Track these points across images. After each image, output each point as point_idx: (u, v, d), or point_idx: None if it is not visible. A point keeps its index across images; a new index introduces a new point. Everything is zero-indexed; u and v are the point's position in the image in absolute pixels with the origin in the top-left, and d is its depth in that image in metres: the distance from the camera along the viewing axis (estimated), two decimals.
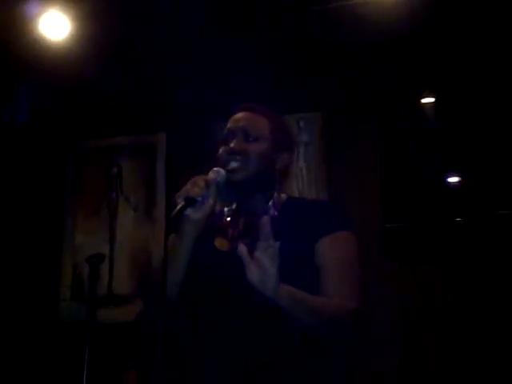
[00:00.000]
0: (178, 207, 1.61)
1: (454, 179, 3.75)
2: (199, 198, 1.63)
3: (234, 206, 1.84)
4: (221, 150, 1.84)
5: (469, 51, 3.69)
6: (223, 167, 1.77)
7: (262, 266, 1.51)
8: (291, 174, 1.97)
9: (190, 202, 1.62)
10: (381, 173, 3.78)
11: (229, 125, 1.87)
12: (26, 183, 4.45)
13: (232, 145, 1.80)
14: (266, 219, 1.53)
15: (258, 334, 1.64)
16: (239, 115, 1.88)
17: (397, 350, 3.50)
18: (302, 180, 3.91)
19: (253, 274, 1.52)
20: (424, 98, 3.82)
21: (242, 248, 1.54)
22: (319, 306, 1.62)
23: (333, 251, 1.73)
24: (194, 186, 1.64)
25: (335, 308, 1.63)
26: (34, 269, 4.29)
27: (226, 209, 1.87)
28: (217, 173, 1.72)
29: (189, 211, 1.63)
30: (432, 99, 3.81)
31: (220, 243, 1.80)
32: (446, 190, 3.71)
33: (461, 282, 3.49)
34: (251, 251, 1.62)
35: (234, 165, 1.76)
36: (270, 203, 1.81)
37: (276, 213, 1.80)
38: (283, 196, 1.88)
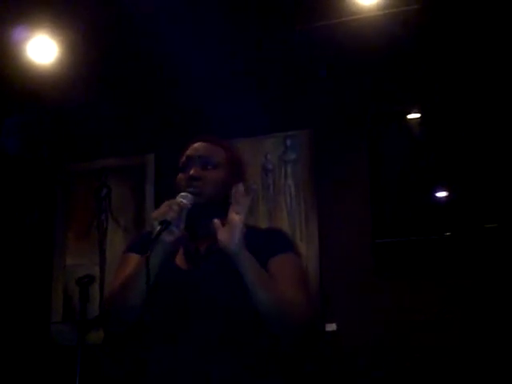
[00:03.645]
0: (157, 230, 1.67)
1: (441, 194, 3.78)
2: (174, 222, 1.69)
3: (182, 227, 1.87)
4: (179, 176, 1.93)
5: (453, 68, 3.74)
6: (184, 191, 1.84)
7: (230, 226, 1.67)
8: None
9: (167, 225, 1.68)
10: (369, 188, 3.81)
11: (188, 152, 1.97)
12: (16, 206, 4.45)
13: (191, 172, 1.88)
14: (240, 189, 1.69)
15: (219, 348, 1.71)
16: (198, 145, 1.98)
17: (387, 364, 3.51)
18: (291, 197, 3.94)
19: (222, 233, 1.67)
20: (410, 113, 3.86)
21: (216, 221, 1.69)
22: (273, 284, 1.73)
23: (283, 266, 1.82)
24: (170, 211, 1.69)
25: (288, 298, 1.73)
26: (25, 291, 4.27)
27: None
28: (186, 198, 1.78)
29: (163, 234, 1.69)
30: (418, 115, 3.85)
31: (181, 262, 1.86)
32: (435, 205, 3.74)
33: (451, 295, 3.51)
34: (213, 270, 1.76)
35: (192, 190, 1.83)
36: None
37: None
38: None
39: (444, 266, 3.54)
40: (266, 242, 1.86)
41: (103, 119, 4.34)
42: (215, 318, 1.73)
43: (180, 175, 1.92)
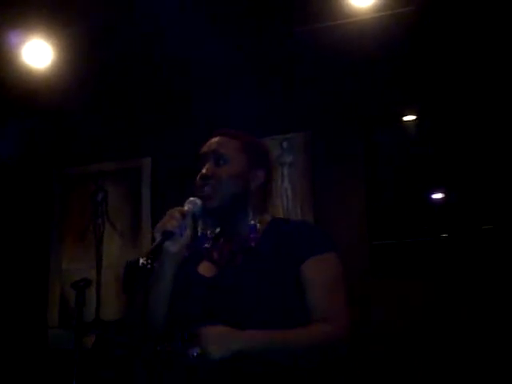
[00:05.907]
0: (156, 242, 1.62)
1: (438, 196, 3.79)
2: (176, 231, 1.65)
3: (217, 230, 1.84)
4: (197, 177, 1.86)
5: (449, 70, 3.74)
6: (198, 193, 1.78)
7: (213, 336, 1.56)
8: (272, 192, 1.96)
9: (168, 235, 1.63)
10: (366, 191, 3.81)
11: (201, 150, 1.88)
12: (12, 210, 4.44)
13: (204, 170, 1.81)
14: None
15: (247, 360, 1.62)
16: (211, 140, 1.89)
17: (384, 365, 3.50)
18: (288, 200, 3.93)
19: (210, 347, 1.55)
20: (406, 115, 3.86)
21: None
22: (299, 337, 1.63)
23: (319, 271, 1.72)
24: (171, 219, 1.65)
25: (319, 334, 1.64)
26: (22, 296, 4.26)
27: (209, 232, 1.87)
28: (192, 203, 1.73)
29: (167, 244, 1.64)
30: (414, 117, 3.86)
31: (204, 269, 1.80)
32: (431, 207, 3.75)
33: (448, 297, 3.51)
34: (238, 274, 1.67)
35: (206, 190, 1.77)
36: (253, 223, 1.81)
37: (259, 234, 1.79)
38: (267, 216, 1.87)
39: (441, 267, 3.55)
40: (301, 241, 1.75)
41: (99, 123, 4.34)
42: (243, 326, 1.63)
43: (197, 176, 1.85)
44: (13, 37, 3.71)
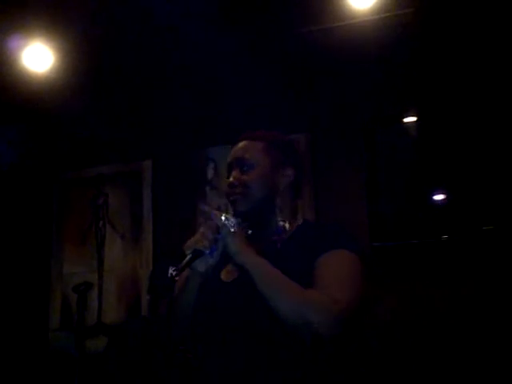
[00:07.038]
0: (186, 260, 1.62)
1: (438, 197, 3.78)
2: (207, 252, 1.64)
3: (249, 232, 1.81)
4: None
5: (449, 71, 3.74)
6: (227, 198, 1.81)
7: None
8: (301, 190, 1.93)
9: (198, 254, 1.64)
10: (366, 192, 3.81)
11: (228, 159, 1.88)
12: (13, 215, 4.45)
13: (231, 178, 1.82)
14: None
15: (261, 363, 1.64)
16: (236, 146, 1.89)
17: (384, 367, 3.50)
18: None
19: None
20: (406, 117, 3.86)
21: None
22: (297, 288, 1.59)
23: (323, 266, 1.67)
24: (203, 239, 1.65)
25: (317, 296, 1.58)
26: (23, 299, 4.27)
27: None
28: (227, 221, 1.70)
29: (195, 263, 1.65)
30: (414, 118, 3.86)
31: (226, 273, 1.80)
32: (432, 208, 3.74)
33: (449, 298, 3.51)
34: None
35: (234, 198, 1.79)
36: (282, 225, 1.81)
37: (286, 236, 1.80)
38: (299, 218, 1.87)
39: (441, 268, 3.54)
40: (321, 239, 1.73)
41: (99, 126, 4.34)
42: (258, 331, 1.64)
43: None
44: (13, 41, 3.72)
